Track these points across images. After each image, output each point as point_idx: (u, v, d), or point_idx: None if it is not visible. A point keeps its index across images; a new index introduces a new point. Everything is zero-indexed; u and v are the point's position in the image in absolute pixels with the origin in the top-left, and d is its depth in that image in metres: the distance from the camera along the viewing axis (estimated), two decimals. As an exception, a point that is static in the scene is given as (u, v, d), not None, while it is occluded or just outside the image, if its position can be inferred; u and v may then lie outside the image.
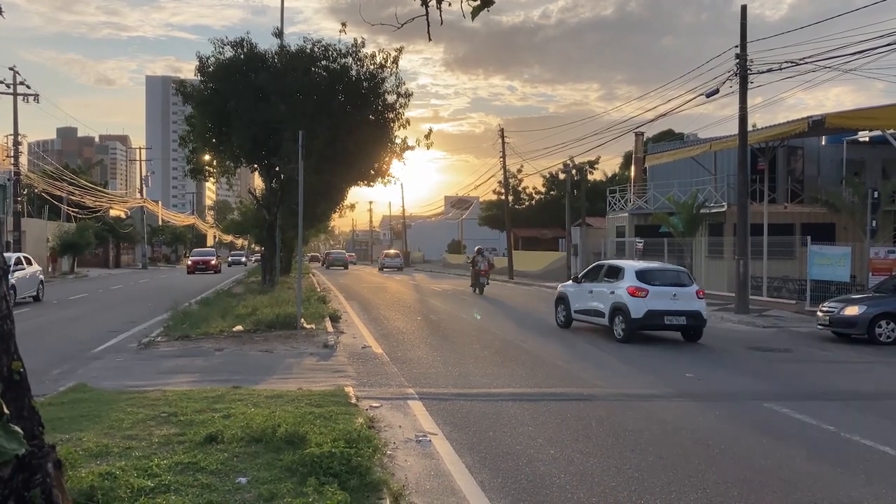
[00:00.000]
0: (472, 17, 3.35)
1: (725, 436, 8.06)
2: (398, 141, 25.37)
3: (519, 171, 59.03)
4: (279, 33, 25.28)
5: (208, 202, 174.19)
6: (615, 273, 17.22)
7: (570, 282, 19.75)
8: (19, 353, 2.68)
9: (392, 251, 69.21)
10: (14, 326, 2.74)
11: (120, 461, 5.93)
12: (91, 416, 7.71)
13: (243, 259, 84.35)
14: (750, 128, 24.31)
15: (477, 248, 34.39)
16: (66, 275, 49.59)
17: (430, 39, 3.54)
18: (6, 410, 2.44)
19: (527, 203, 64.99)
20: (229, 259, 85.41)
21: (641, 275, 16.53)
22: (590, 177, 59.26)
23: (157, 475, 5.56)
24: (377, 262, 68.61)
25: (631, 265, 17.59)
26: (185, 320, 17.08)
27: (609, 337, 16.33)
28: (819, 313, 17.56)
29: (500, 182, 53.11)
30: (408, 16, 3.68)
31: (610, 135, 72.29)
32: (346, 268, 67.05)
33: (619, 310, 16.22)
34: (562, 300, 19.09)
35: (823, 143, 32.64)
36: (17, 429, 2.46)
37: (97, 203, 61.51)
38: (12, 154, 44.34)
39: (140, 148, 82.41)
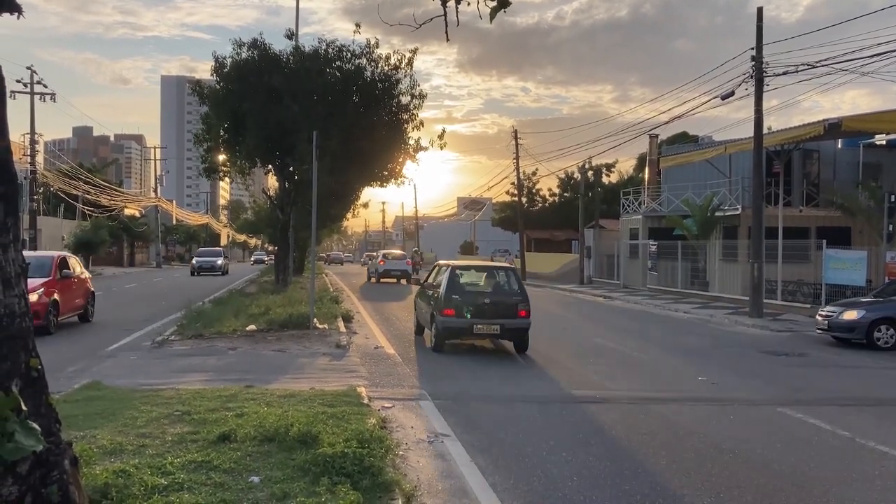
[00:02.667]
0: (491, 19, 3.34)
1: (739, 440, 8.02)
2: (412, 142, 25.39)
3: (534, 173, 58.98)
4: (293, 34, 25.36)
5: (222, 202, 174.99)
6: (377, 257, 44.14)
7: (370, 263, 46.86)
8: (37, 350, 2.71)
9: (373, 253, 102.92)
10: (32, 324, 2.77)
11: (134, 459, 5.96)
12: (105, 413, 7.75)
13: (220, 262, 50.58)
14: (765, 130, 24.17)
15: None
16: (80, 273, 49.92)
17: (448, 40, 3.53)
18: (24, 407, 2.46)
19: (540, 205, 64.84)
20: (195, 261, 51.89)
21: (385, 256, 43.16)
22: (605, 179, 59.09)
23: (170, 473, 5.59)
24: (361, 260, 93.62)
25: (381, 252, 46.26)
26: (198, 319, 17.14)
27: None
28: (818, 317, 17.43)
29: (513, 183, 53.04)
30: (422, 16, 3.68)
31: (624, 137, 71.99)
32: (342, 264, 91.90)
33: (376, 269, 42.02)
34: (369, 272, 45.05)
35: (839, 146, 32.40)
36: (35, 426, 2.48)
37: (112, 202, 61.89)
38: (29, 153, 44.73)
39: (155, 147, 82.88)
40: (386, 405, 9.20)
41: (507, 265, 17.54)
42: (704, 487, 6.33)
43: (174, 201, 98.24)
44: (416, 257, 50.60)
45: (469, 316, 13.56)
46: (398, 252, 48.20)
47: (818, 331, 17.36)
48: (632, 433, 8.22)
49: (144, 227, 72.73)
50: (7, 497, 2.44)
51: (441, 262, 16.93)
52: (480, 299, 13.89)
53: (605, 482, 6.42)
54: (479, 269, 16.36)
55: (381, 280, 41.72)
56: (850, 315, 16.38)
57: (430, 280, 16.22)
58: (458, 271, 14.65)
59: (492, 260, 62.96)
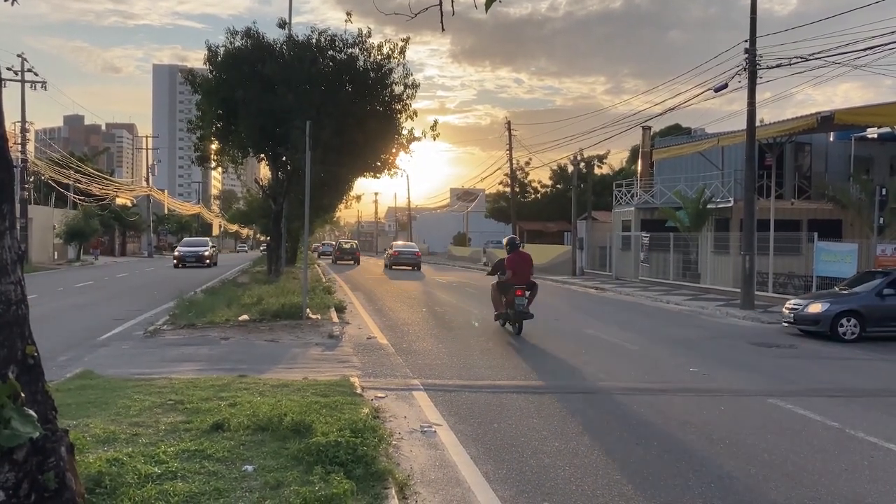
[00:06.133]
0: (486, 9, 3.34)
1: (729, 430, 8.07)
2: (405, 132, 25.33)
3: (527, 163, 58.99)
4: (286, 23, 25.23)
5: (214, 191, 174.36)
6: (329, 247, 76.96)
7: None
8: (33, 337, 2.70)
9: (328, 242, 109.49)
10: (28, 311, 2.76)
11: (127, 447, 5.96)
12: (98, 402, 7.75)
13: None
14: (758, 123, 24.22)
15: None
16: (72, 262, 49.74)
17: (443, 30, 3.53)
18: (21, 394, 2.47)
19: (533, 196, 64.89)
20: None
21: (322, 244, 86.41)
22: (597, 171, 59.15)
23: (164, 462, 5.60)
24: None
25: (321, 243, 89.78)
26: (190, 309, 17.13)
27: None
28: (784, 310, 17.60)
29: (506, 174, 53.04)
30: (417, 6, 3.68)
31: (617, 128, 72.15)
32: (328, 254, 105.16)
33: (317, 251, 73.23)
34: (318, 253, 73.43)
35: (831, 139, 32.49)
36: (32, 412, 2.48)
37: (103, 191, 61.62)
38: (20, 141, 44.44)
39: (146, 136, 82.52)
40: (379, 395, 9.22)
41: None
42: (695, 477, 6.38)
43: (166, 191, 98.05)
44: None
45: None
46: (331, 241, 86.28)
47: (784, 323, 17.54)
48: (623, 423, 8.27)
49: (136, 217, 72.46)
50: (4, 484, 2.44)
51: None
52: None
53: (596, 471, 6.47)
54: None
55: (320, 256, 67.05)
56: (815, 308, 16.56)
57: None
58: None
59: (484, 252, 63.09)
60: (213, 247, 48.76)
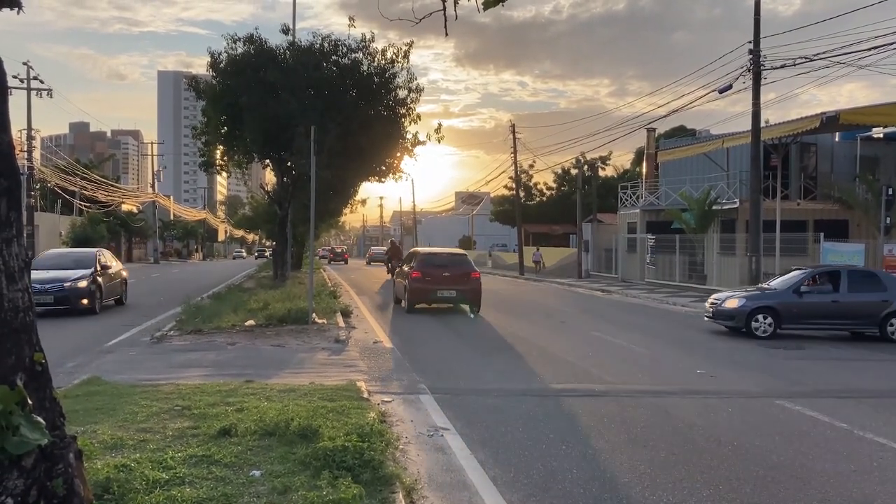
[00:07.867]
0: (485, 8, 3.34)
1: (737, 432, 8.05)
2: (409, 136, 25.35)
3: (531, 166, 58.92)
4: (289, 29, 25.28)
5: (220, 197, 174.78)
6: (327, 251, 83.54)
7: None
8: (41, 344, 2.72)
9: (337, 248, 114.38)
10: (35, 318, 2.78)
11: (135, 453, 5.98)
12: (105, 408, 7.77)
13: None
14: (763, 124, 24.19)
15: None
16: (78, 269, 49.85)
17: (446, 35, 3.54)
18: (29, 401, 2.48)
19: (538, 199, 64.88)
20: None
21: (323, 248, 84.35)
22: (601, 173, 59.12)
23: (171, 468, 5.60)
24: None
25: (322, 248, 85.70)
26: (197, 314, 17.15)
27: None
28: (707, 305, 17.73)
29: (511, 177, 52.99)
30: (420, 10, 3.69)
31: (621, 131, 72.16)
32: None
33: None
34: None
35: (837, 139, 32.45)
36: (40, 419, 2.49)
37: (109, 197, 61.78)
38: (26, 148, 44.64)
39: (152, 143, 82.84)
40: (385, 399, 9.22)
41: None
42: (703, 479, 6.36)
43: (171, 197, 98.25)
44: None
45: None
46: (329, 247, 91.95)
47: (706, 318, 17.61)
48: (630, 426, 8.25)
49: (142, 223, 72.64)
50: (13, 490, 2.45)
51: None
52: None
53: (603, 474, 6.45)
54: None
55: (321, 259, 67.44)
56: (732, 303, 16.71)
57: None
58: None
59: (489, 255, 63.06)
60: (107, 266, 21.72)
